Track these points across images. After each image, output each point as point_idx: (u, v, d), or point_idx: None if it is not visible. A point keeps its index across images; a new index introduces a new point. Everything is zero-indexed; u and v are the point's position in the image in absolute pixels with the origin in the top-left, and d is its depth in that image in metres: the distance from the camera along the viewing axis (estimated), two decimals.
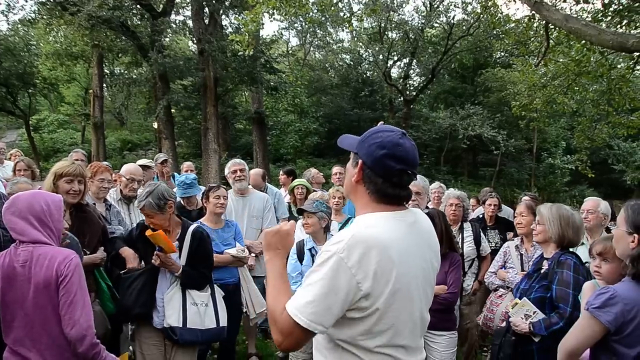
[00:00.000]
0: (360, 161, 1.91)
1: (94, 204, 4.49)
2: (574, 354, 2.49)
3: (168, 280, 3.73)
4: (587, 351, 2.52)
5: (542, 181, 25.71)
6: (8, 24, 21.31)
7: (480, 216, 6.38)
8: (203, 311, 3.73)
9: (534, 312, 3.27)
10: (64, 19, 17.76)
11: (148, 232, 3.63)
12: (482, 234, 5.48)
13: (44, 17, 19.00)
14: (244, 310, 4.74)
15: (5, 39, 23.05)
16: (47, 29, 20.74)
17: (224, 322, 3.85)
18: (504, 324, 3.79)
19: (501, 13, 12.42)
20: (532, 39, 12.38)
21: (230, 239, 4.78)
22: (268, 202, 5.73)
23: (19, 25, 22.53)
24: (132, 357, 4.31)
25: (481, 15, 16.60)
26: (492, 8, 11.90)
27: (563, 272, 3.29)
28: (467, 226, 5.34)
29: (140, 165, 5.55)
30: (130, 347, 4.51)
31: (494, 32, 19.09)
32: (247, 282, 4.77)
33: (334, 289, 1.70)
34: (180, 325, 3.62)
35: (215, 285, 3.96)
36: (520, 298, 3.41)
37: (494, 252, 5.35)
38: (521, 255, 4.73)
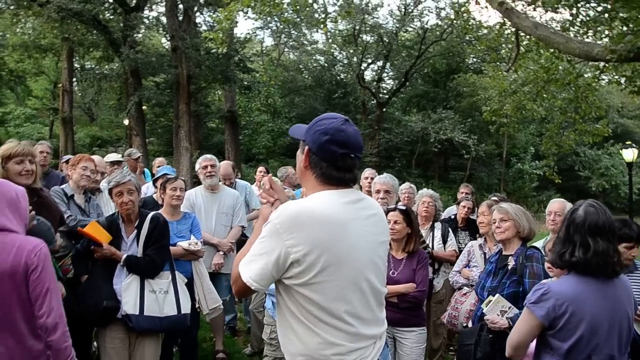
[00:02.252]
0: (307, 147, 2.05)
1: (73, 195, 4.44)
2: (517, 347, 2.59)
3: (125, 269, 3.69)
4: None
5: (511, 186, 26.17)
6: None
7: (452, 217, 6.43)
8: (162, 298, 3.69)
9: (509, 308, 3.33)
10: (33, 10, 17.37)
11: (79, 229, 3.72)
12: (450, 232, 5.56)
13: (11, 7, 18.55)
14: (197, 305, 4.62)
15: None
16: (15, 20, 20.25)
17: (186, 309, 3.81)
18: (470, 322, 3.85)
19: (474, 19, 12.62)
20: (503, 45, 12.61)
21: (186, 231, 4.68)
22: (238, 199, 5.70)
23: None
24: (96, 354, 4.25)
25: (454, 21, 16.81)
26: (464, 14, 12.08)
27: (533, 265, 3.42)
28: (438, 225, 5.42)
29: (111, 161, 5.49)
30: (94, 344, 4.43)
31: (467, 37, 19.40)
32: (200, 277, 4.64)
33: (267, 253, 1.90)
34: (137, 313, 3.57)
35: (177, 272, 3.92)
36: (489, 295, 3.47)
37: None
38: (484, 253, 4.81)
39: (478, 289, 3.80)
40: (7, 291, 2.41)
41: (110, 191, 3.82)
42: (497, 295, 3.43)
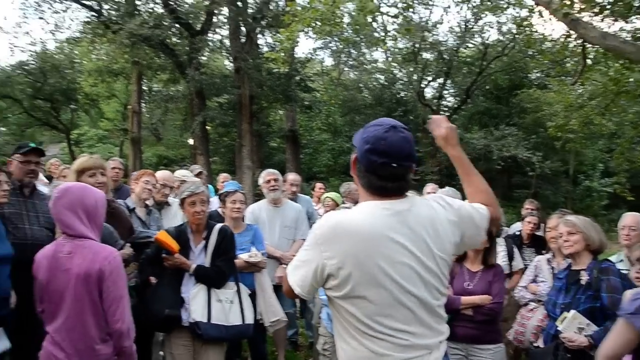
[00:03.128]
0: (354, 155, 2.05)
1: (134, 208, 4.63)
2: None
3: (192, 278, 3.81)
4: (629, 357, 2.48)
5: (579, 204, 25.12)
6: (55, 42, 22.11)
7: (517, 233, 6.27)
8: (228, 308, 3.79)
9: (587, 324, 3.19)
10: (107, 37, 18.45)
11: (155, 237, 3.86)
12: (516, 249, 5.42)
13: (88, 35, 19.70)
14: (259, 317, 4.66)
15: (52, 57, 23.96)
16: (91, 47, 21.51)
17: (250, 319, 3.90)
18: (540, 341, 3.72)
19: (537, 32, 12.33)
20: (569, 58, 12.24)
21: (247, 243, 4.76)
22: (301, 212, 5.79)
23: (65, 44, 23.33)
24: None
25: (516, 36, 16.48)
26: (527, 28, 11.82)
27: (610, 279, 3.28)
28: (501, 241, 5.29)
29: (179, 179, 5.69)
30: (161, 352, 4.57)
31: (530, 52, 18.92)
32: (262, 289, 4.71)
33: (308, 262, 1.96)
34: (205, 320, 3.67)
35: (240, 284, 4.00)
36: (563, 312, 3.34)
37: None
38: (552, 268, 4.65)
39: (549, 307, 3.66)
40: (81, 294, 2.54)
41: (182, 201, 3.95)
42: (573, 311, 3.28)
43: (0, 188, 3.43)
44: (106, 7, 18.95)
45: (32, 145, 4.18)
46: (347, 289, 1.89)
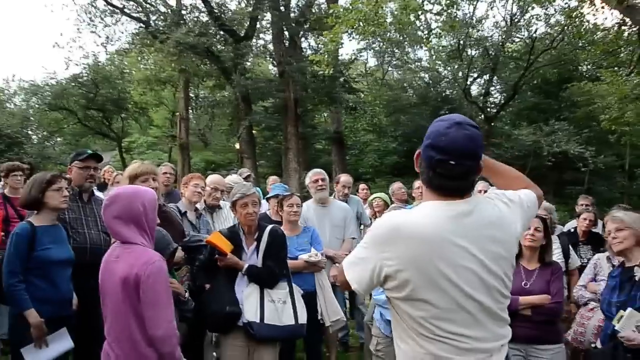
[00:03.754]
0: (418, 150, 1.98)
1: (186, 212, 4.72)
2: None
3: (245, 279, 3.85)
4: None
5: (637, 200, 24.17)
6: (107, 54, 22.92)
7: (572, 230, 6.08)
8: (281, 308, 3.80)
9: None
10: (154, 47, 19.00)
11: (206, 240, 3.92)
12: (571, 248, 5.26)
13: (137, 46, 20.32)
14: (319, 317, 4.68)
15: (103, 69, 24.86)
16: (139, 57, 22.19)
17: (302, 319, 3.90)
18: (598, 341, 3.60)
19: (587, 22, 11.92)
20: (623, 47, 11.79)
21: (306, 244, 4.80)
22: (348, 211, 5.80)
23: (115, 55, 24.13)
24: None
25: (566, 27, 15.98)
26: (577, 18, 11.46)
27: None
28: (555, 239, 5.14)
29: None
30: (214, 354, 4.63)
31: (580, 43, 18.34)
32: (322, 289, 4.74)
33: (365, 260, 1.91)
34: (258, 321, 3.69)
35: (293, 284, 4.02)
36: (619, 311, 3.22)
37: (583, 269, 5.12)
38: (613, 266, 4.48)
39: (604, 306, 3.53)
40: (123, 298, 2.57)
41: (234, 203, 4.01)
42: (629, 309, 3.15)
43: (61, 194, 3.57)
44: (153, 18, 19.53)
45: (90, 151, 4.35)
46: (407, 292, 1.84)
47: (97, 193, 4.56)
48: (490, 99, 26.49)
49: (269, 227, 4.01)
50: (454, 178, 1.88)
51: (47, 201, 3.53)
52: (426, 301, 1.83)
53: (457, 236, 1.84)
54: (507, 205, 2.00)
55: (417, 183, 6.79)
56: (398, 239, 1.84)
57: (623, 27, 9.87)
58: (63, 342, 3.53)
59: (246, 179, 7.43)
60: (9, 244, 3.41)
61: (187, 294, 3.61)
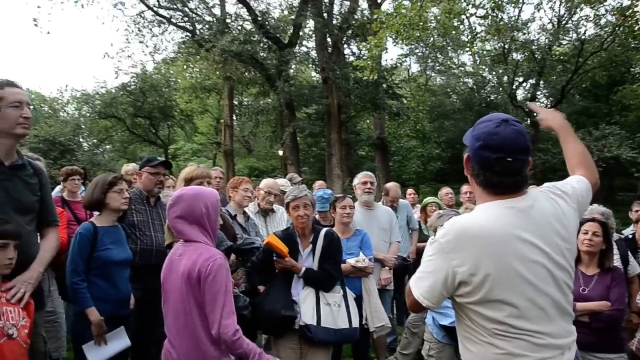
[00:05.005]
0: (466, 155, 2.01)
1: (235, 215, 4.78)
2: None
3: (301, 281, 3.85)
4: None
5: None
6: (154, 62, 23.59)
7: (630, 236, 5.88)
8: (336, 311, 3.79)
9: None
10: (200, 55, 19.42)
11: (265, 241, 3.92)
12: (630, 254, 5.08)
13: (183, 54, 20.81)
14: (364, 322, 4.60)
15: (151, 77, 25.55)
16: (185, 66, 22.70)
17: (356, 323, 3.88)
18: None
19: None
20: None
21: (355, 248, 4.76)
22: (393, 215, 5.79)
23: (162, 64, 24.77)
24: None
25: (617, 28, 15.49)
26: (630, 18, 11.08)
27: None
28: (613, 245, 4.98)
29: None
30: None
31: (633, 44, 17.75)
32: (369, 294, 4.68)
33: (435, 272, 1.90)
34: (315, 324, 3.69)
35: (347, 287, 4.00)
36: None
37: None
38: None
39: None
40: (186, 294, 2.61)
41: (287, 205, 4.05)
42: None
43: (122, 196, 3.68)
44: (199, 27, 19.99)
45: (160, 159, 4.55)
46: (482, 294, 1.84)
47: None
48: (537, 103, 25.89)
49: (324, 229, 4.01)
50: (511, 174, 1.91)
51: (108, 202, 3.63)
52: (501, 300, 1.84)
53: (523, 231, 1.86)
54: (563, 198, 2.03)
55: (465, 188, 6.70)
56: (467, 243, 1.85)
57: None
58: (121, 340, 3.62)
59: (296, 184, 7.50)
60: (73, 243, 3.52)
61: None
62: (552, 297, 1.89)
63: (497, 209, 1.90)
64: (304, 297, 3.77)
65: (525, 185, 1.99)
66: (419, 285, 1.96)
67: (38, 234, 3.06)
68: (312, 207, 3.99)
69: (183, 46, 20.84)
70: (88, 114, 26.97)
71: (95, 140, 29.06)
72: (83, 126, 26.99)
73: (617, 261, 4.85)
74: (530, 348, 1.85)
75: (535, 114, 2.33)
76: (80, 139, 26.21)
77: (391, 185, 6.43)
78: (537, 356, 1.85)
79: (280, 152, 22.66)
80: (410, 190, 8.18)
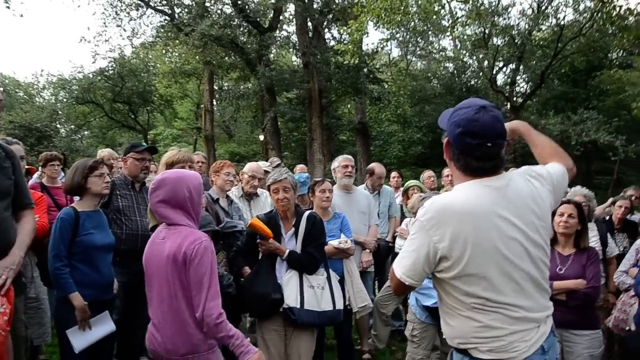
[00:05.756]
0: (446, 140, 2.08)
1: (218, 198, 4.77)
2: None
3: (285, 265, 3.85)
4: None
5: None
6: (132, 47, 23.20)
7: (607, 218, 6.00)
8: (320, 294, 3.80)
9: None
10: (179, 40, 19.13)
11: (249, 223, 3.89)
12: (609, 236, 5.19)
13: (162, 39, 20.51)
14: (347, 303, 4.59)
15: (129, 62, 25.19)
16: (164, 50, 22.41)
17: (340, 305, 3.90)
18: (633, 325, 3.56)
19: (619, 7, 11.60)
20: None
21: (336, 230, 4.77)
22: (371, 199, 5.83)
23: (140, 49, 24.41)
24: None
25: (595, 14, 15.61)
26: (608, 3, 11.17)
27: None
28: (592, 226, 5.07)
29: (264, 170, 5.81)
30: (248, 338, 4.66)
31: (610, 30, 17.92)
32: (351, 275, 4.70)
33: (417, 249, 1.98)
34: (298, 306, 3.70)
35: (330, 270, 4.01)
36: None
37: (620, 257, 5.05)
38: None
39: (639, 289, 3.52)
40: (171, 277, 2.59)
41: (268, 188, 4.05)
42: None
43: (102, 180, 3.63)
44: (178, 10, 19.68)
45: (145, 144, 4.57)
46: (460, 268, 1.92)
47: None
48: (517, 88, 26.12)
49: (306, 212, 4.01)
50: (490, 158, 2.00)
51: (89, 187, 3.59)
52: (478, 275, 1.92)
53: (501, 208, 1.95)
54: (538, 180, 2.11)
55: (447, 171, 6.74)
56: (447, 219, 1.93)
57: None
58: (105, 325, 3.60)
59: (276, 167, 7.47)
60: (54, 228, 3.47)
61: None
62: (527, 273, 1.97)
63: (475, 188, 1.98)
64: (287, 280, 3.77)
65: (502, 167, 2.08)
66: (401, 265, 2.04)
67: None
68: (293, 190, 3.95)
69: (162, 30, 20.50)
70: (65, 100, 26.50)
71: (73, 126, 28.65)
72: (60, 112, 26.58)
73: (596, 242, 4.97)
74: (507, 321, 1.93)
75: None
76: (58, 125, 25.84)
77: (375, 165, 6.40)
78: (513, 328, 1.94)
79: (261, 137, 22.60)
80: (394, 174, 8.18)
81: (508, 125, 2.45)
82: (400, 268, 2.03)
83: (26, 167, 4.97)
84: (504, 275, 1.93)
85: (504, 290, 1.93)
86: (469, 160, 2.00)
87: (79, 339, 3.42)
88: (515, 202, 1.98)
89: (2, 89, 4.29)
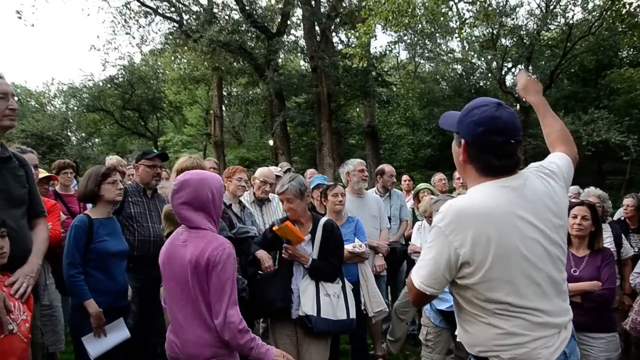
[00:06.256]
0: (463, 141, 1.99)
1: (230, 204, 4.77)
2: None
3: (302, 272, 3.83)
4: None
5: None
6: (142, 54, 23.37)
7: (622, 218, 5.93)
8: (335, 302, 3.78)
9: None
10: (188, 46, 19.25)
11: (275, 228, 3.80)
12: (623, 236, 5.15)
13: (170, 45, 20.64)
14: (362, 308, 4.64)
15: (138, 69, 25.35)
16: (173, 57, 22.55)
17: (353, 314, 3.88)
18: None
19: (629, 5, 11.52)
20: None
21: (350, 234, 4.77)
22: (381, 202, 5.86)
23: (149, 56, 24.57)
24: None
25: (604, 12, 15.48)
26: (617, 1, 11.08)
27: None
28: (606, 227, 5.03)
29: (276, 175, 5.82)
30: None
31: (620, 28, 17.78)
32: (366, 280, 4.71)
33: (436, 256, 1.90)
34: (315, 314, 3.68)
35: (345, 279, 4.00)
36: None
37: (636, 258, 5.00)
38: None
39: None
40: (192, 283, 2.56)
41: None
42: None
43: (116, 187, 3.66)
44: (186, 17, 19.80)
45: (156, 151, 4.62)
46: (482, 273, 1.86)
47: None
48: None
49: (322, 220, 3.97)
50: (512, 156, 1.96)
51: (102, 194, 3.61)
52: (501, 279, 1.86)
53: (520, 209, 1.90)
54: (552, 177, 2.08)
55: (457, 174, 6.69)
56: (466, 223, 1.86)
57: None
58: (120, 331, 3.62)
59: (286, 172, 7.47)
60: (68, 236, 3.49)
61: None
62: (548, 274, 1.93)
63: (492, 189, 1.93)
64: (304, 288, 3.76)
65: (520, 165, 2.04)
66: (420, 275, 1.96)
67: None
68: (299, 197, 3.87)
69: (170, 37, 20.63)
70: (76, 108, 26.73)
71: (83, 134, 28.87)
72: (71, 120, 26.85)
73: (610, 243, 4.93)
74: (529, 327, 1.88)
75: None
76: (69, 133, 26.09)
77: (383, 165, 6.41)
78: (535, 335, 1.89)
79: (271, 142, 22.63)
80: (405, 177, 8.15)
81: (528, 84, 2.51)
82: (419, 278, 1.96)
83: (47, 174, 5.00)
84: (526, 277, 1.88)
85: (526, 294, 1.88)
86: (491, 160, 1.94)
87: (95, 346, 3.44)
88: (533, 201, 1.94)
89: (17, 98, 4.33)
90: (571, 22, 21.21)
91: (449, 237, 1.86)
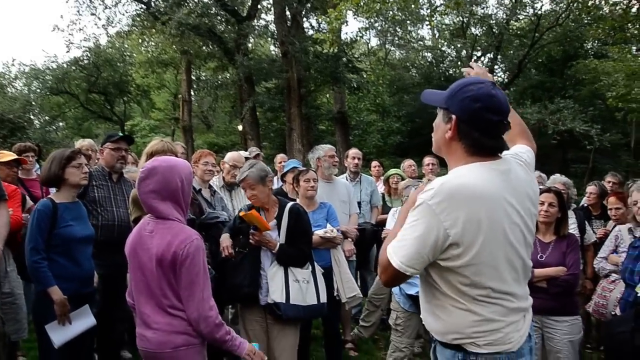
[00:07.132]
0: (454, 117, 1.90)
1: (200, 189, 4.70)
2: None
3: (270, 258, 3.80)
4: None
5: None
6: (108, 36, 22.79)
7: (585, 205, 6.08)
8: (305, 288, 3.77)
9: None
10: (156, 29, 18.83)
11: (241, 213, 3.76)
12: (587, 223, 5.28)
13: (138, 28, 20.17)
14: (335, 293, 4.61)
15: (105, 52, 24.75)
16: (140, 40, 22.06)
17: (324, 298, 3.88)
18: (617, 310, 3.63)
19: None
20: (631, 23, 11.59)
21: (322, 220, 4.75)
22: (351, 188, 5.88)
23: (116, 38, 23.99)
24: None
25: (571, 4, 15.73)
26: None
27: None
28: (571, 214, 5.13)
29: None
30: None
31: (586, 20, 18.11)
32: (339, 265, 4.68)
33: (422, 235, 1.79)
34: (284, 301, 3.67)
35: (315, 263, 3.99)
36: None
37: (597, 244, 5.15)
38: (635, 237, 4.48)
39: (626, 275, 3.59)
40: (159, 276, 2.51)
41: None
42: None
43: (81, 170, 3.56)
44: None
45: (121, 134, 4.53)
46: (470, 256, 1.80)
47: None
48: (495, 77, 26.14)
49: (289, 205, 3.92)
50: (500, 137, 1.94)
51: (67, 178, 3.50)
52: (488, 263, 1.83)
53: (507, 194, 1.88)
54: (527, 167, 2.09)
55: (427, 160, 6.74)
56: (459, 203, 1.78)
57: (633, 2, 9.71)
58: (86, 319, 3.54)
59: (255, 157, 7.41)
60: (31, 220, 3.39)
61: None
62: (523, 260, 1.94)
63: (483, 170, 1.87)
64: (273, 274, 3.73)
65: (503, 150, 2.03)
66: (400, 255, 1.84)
67: None
68: (261, 183, 3.81)
69: (138, 19, 20.13)
70: (38, 90, 25.90)
71: (47, 118, 28.09)
72: (34, 103, 26.06)
73: (574, 230, 5.03)
74: (504, 312, 1.88)
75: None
76: (31, 116, 25.36)
77: (349, 149, 6.51)
78: (509, 320, 1.89)
79: (240, 127, 22.39)
80: (375, 163, 8.16)
81: (483, 72, 2.43)
82: (398, 258, 1.83)
83: (15, 157, 4.84)
84: (507, 262, 1.87)
85: (507, 279, 1.87)
86: (481, 138, 1.88)
87: (59, 334, 3.35)
88: (517, 188, 1.92)
89: None
90: (539, 12, 21.54)
91: (439, 215, 1.77)
